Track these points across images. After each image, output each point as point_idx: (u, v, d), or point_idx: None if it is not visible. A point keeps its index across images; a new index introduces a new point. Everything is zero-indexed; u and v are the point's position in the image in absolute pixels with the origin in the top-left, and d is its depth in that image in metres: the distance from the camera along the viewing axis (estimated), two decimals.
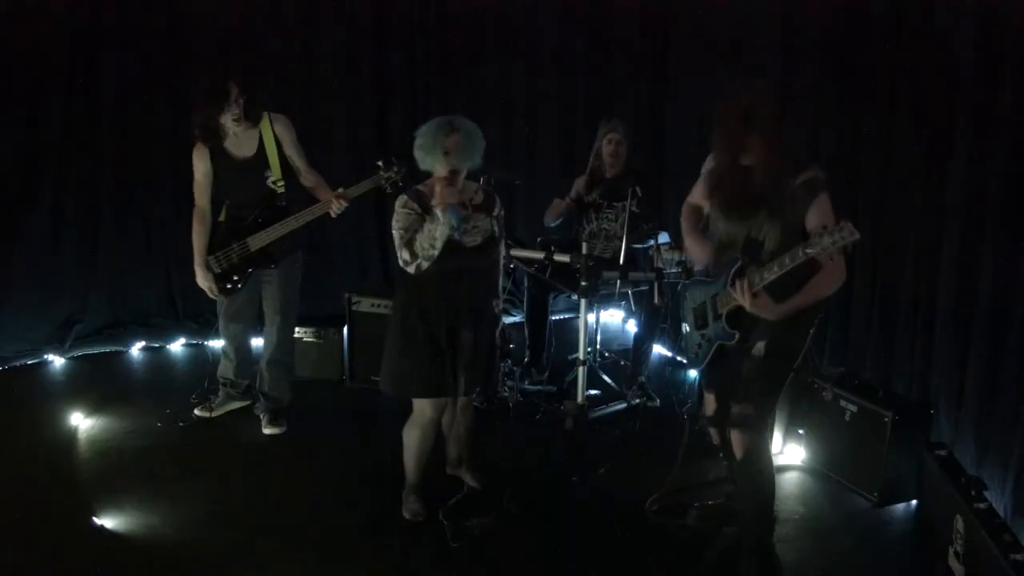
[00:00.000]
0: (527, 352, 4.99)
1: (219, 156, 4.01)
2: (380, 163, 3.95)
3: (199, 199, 4.10)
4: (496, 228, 3.38)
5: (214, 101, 3.86)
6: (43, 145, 5.21)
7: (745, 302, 2.79)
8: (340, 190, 4.02)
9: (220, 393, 4.43)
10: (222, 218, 4.13)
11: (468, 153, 3.22)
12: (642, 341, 4.86)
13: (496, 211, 3.42)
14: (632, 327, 5.91)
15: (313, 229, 5.86)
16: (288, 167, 4.09)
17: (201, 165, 4.03)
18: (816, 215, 2.74)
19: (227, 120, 3.92)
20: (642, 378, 4.78)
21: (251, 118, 3.98)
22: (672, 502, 3.56)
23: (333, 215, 4.05)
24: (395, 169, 3.93)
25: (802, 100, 4.45)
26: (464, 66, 5.99)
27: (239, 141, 4.00)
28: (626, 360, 5.08)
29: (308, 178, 4.18)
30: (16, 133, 5.15)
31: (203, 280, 4.11)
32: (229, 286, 4.13)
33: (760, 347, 2.89)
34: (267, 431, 4.26)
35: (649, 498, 3.57)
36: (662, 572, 3.19)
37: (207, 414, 4.39)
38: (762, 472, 3.03)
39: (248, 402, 4.47)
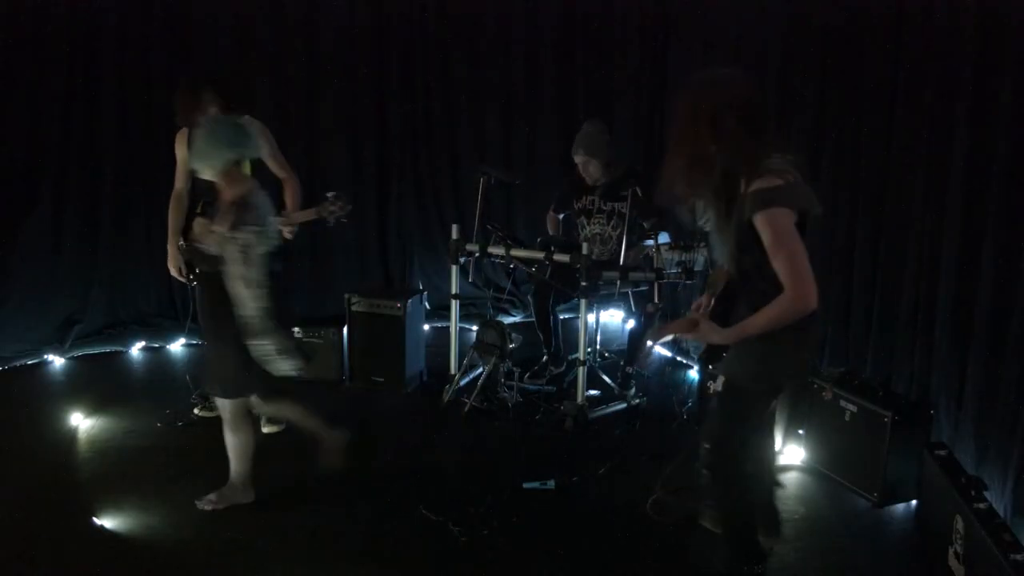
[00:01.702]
0: (544, 351, 5.04)
1: None
2: (329, 195, 3.91)
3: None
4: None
5: (185, 107, 3.89)
6: (43, 145, 5.22)
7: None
8: (284, 214, 3.96)
9: None
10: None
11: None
12: (638, 336, 4.86)
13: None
14: (632, 327, 5.93)
15: (312, 230, 5.93)
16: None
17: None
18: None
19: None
20: (629, 369, 4.79)
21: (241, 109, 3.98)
22: (671, 502, 3.56)
23: (287, 237, 3.98)
24: (340, 204, 3.89)
25: (802, 100, 4.46)
26: (464, 66, 5.99)
27: None
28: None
29: (287, 187, 4.15)
30: (16, 133, 5.15)
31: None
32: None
33: (719, 381, 2.76)
34: (264, 430, 4.25)
35: (649, 498, 3.57)
36: (662, 572, 3.19)
37: (207, 414, 4.38)
38: (732, 511, 2.90)
39: None
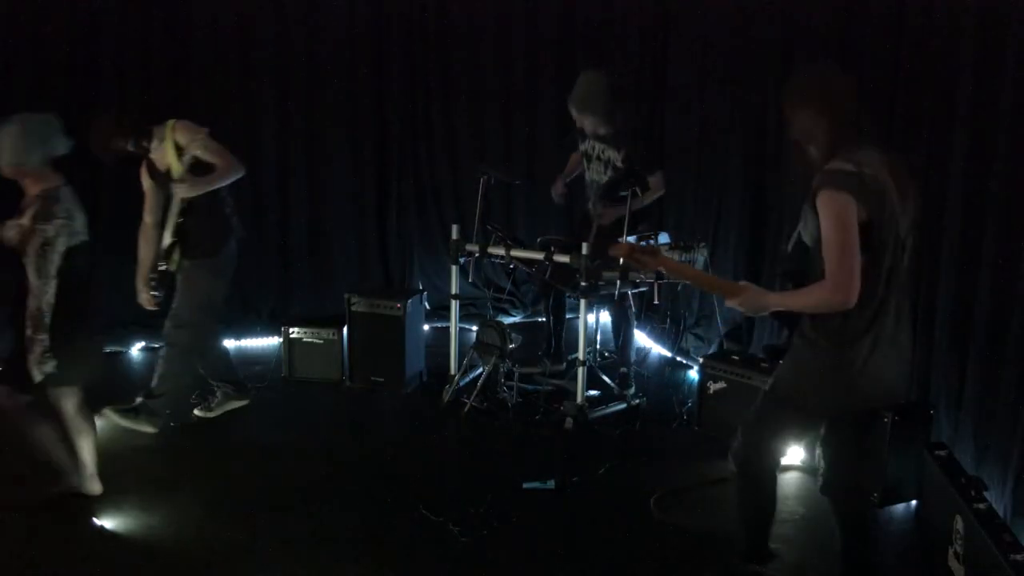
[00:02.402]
0: (548, 343, 5.04)
1: (154, 170, 4.09)
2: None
3: (144, 215, 4.17)
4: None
5: (105, 136, 3.98)
6: None
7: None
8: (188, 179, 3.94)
9: (218, 393, 4.42)
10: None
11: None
12: (619, 330, 4.86)
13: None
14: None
15: (312, 230, 5.95)
16: (203, 170, 3.97)
17: (144, 180, 4.13)
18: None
19: (130, 148, 4.01)
20: (624, 369, 4.79)
21: (147, 137, 4.01)
22: (674, 501, 3.56)
23: (178, 195, 3.97)
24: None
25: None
26: (464, 66, 5.99)
27: (157, 157, 4.06)
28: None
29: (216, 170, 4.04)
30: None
31: (140, 296, 4.19)
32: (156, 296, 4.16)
33: (768, 381, 2.74)
34: (197, 412, 4.35)
35: (652, 497, 3.57)
36: (662, 572, 3.19)
37: (206, 414, 4.38)
38: (748, 507, 2.90)
39: (247, 400, 4.47)
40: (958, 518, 2.99)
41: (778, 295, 2.58)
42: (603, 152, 4.74)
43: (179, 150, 3.94)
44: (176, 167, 3.95)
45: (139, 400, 4.18)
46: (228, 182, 4.02)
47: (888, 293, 2.46)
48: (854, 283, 2.33)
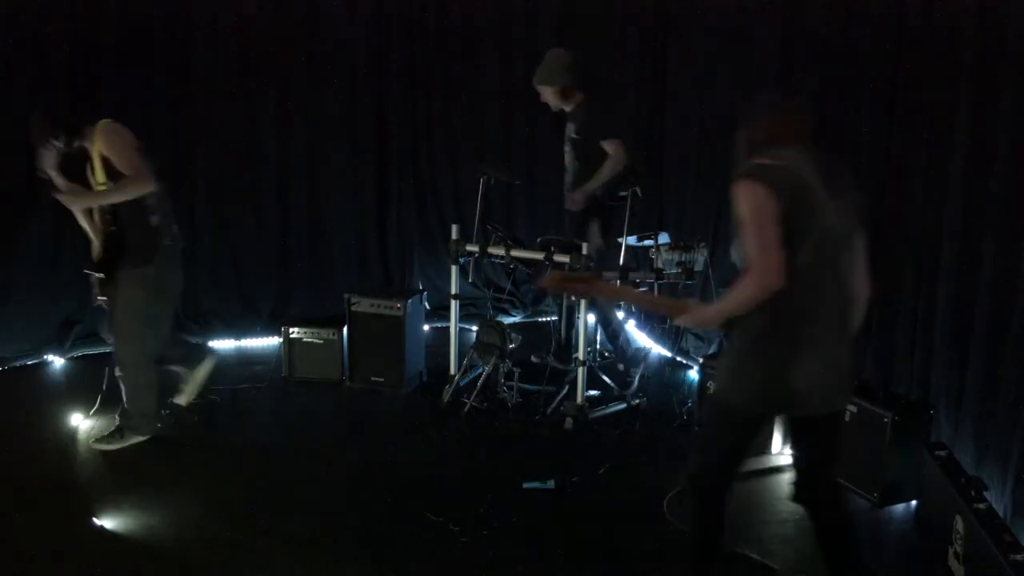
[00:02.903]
0: (560, 338, 5.05)
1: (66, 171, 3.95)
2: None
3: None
4: None
5: (41, 136, 3.83)
6: None
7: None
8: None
9: (183, 375, 4.31)
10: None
11: None
12: (607, 326, 4.85)
13: None
14: (632, 327, 5.92)
15: (312, 230, 5.95)
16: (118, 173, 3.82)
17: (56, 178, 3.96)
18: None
19: (61, 145, 3.84)
20: (620, 366, 4.79)
21: (79, 136, 3.85)
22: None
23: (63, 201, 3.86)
24: None
25: (802, 100, 4.46)
26: (464, 66, 5.99)
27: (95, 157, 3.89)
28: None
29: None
30: (16, 132, 5.14)
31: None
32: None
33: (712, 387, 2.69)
34: (94, 445, 4.08)
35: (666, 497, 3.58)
36: (662, 571, 3.19)
37: (189, 399, 4.30)
38: (694, 520, 2.76)
39: (211, 360, 4.35)
40: (958, 518, 2.99)
41: (716, 305, 2.52)
42: (568, 129, 4.83)
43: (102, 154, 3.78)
44: (99, 172, 3.81)
45: (116, 422, 4.11)
46: (125, 198, 3.79)
47: (815, 301, 2.41)
48: (776, 266, 2.30)
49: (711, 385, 4.24)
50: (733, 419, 2.58)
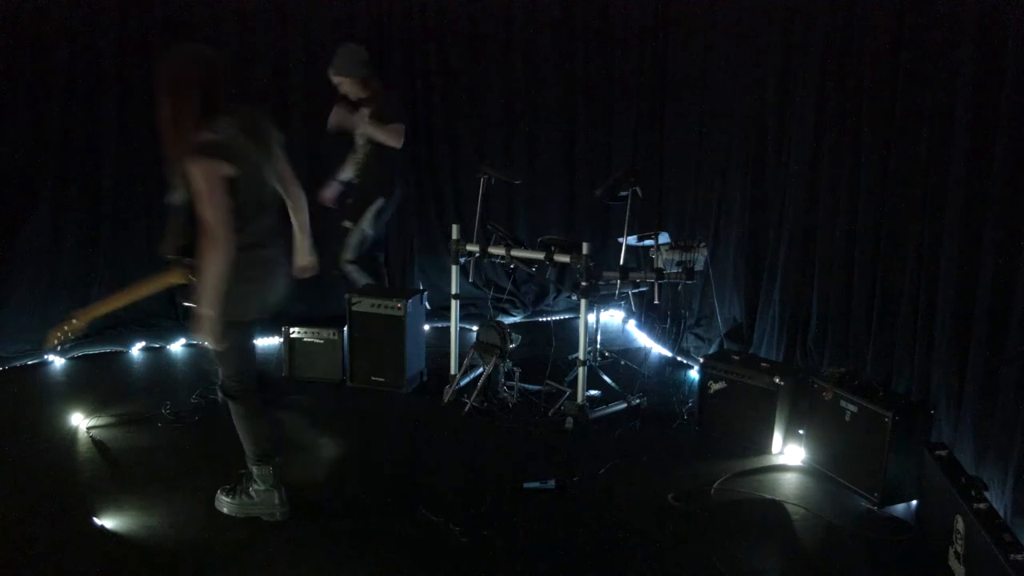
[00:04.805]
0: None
1: None
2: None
3: None
4: None
5: None
6: (44, 144, 5.21)
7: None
8: None
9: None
10: None
11: None
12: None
13: None
14: (632, 327, 5.93)
15: (312, 230, 5.91)
16: None
17: None
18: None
19: None
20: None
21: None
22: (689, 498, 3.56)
23: None
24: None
25: (802, 99, 4.46)
26: (464, 65, 5.99)
27: None
28: (626, 360, 5.10)
29: None
30: (17, 132, 5.15)
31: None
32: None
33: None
34: None
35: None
36: (662, 571, 3.19)
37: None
38: (250, 426, 3.43)
39: None
40: (958, 518, 2.99)
41: (201, 294, 2.96)
42: (362, 116, 5.06)
43: None
44: None
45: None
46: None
47: (258, 227, 3.09)
48: (228, 231, 2.88)
49: (711, 385, 4.26)
50: (235, 330, 3.17)
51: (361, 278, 5.24)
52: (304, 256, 3.49)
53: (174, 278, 3.20)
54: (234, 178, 2.89)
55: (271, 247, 3.19)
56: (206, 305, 2.96)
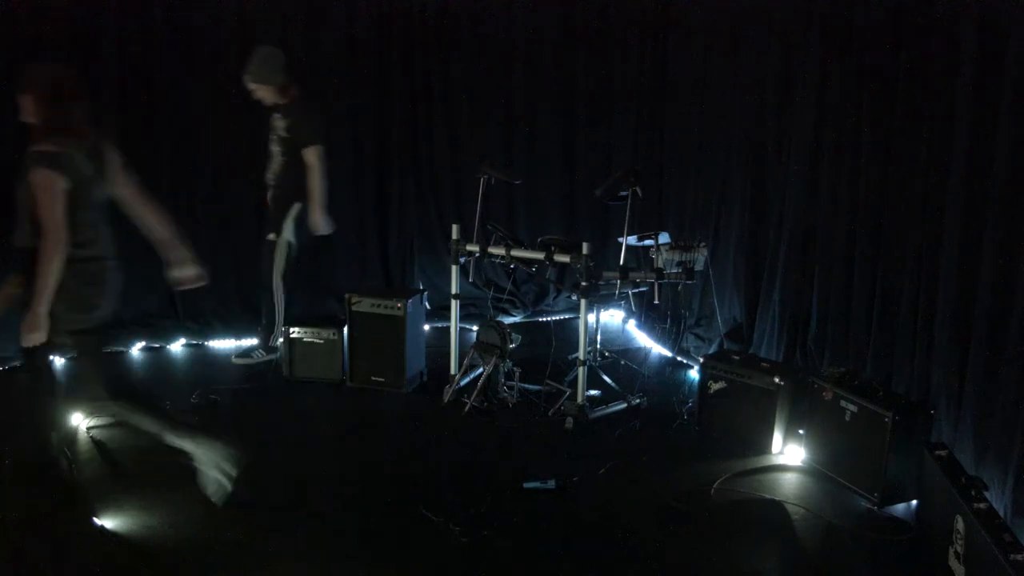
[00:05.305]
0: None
1: None
2: None
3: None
4: None
5: None
6: None
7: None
8: None
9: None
10: None
11: None
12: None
13: None
14: (632, 327, 5.93)
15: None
16: None
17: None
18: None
19: None
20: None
21: None
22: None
23: None
24: None
25: (802, 99, 4.46)
26: (464, 66, 5.99)
27: None
28: (626, 360, 5.09)
29: None
30: (15, 132, 5.13)
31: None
32: None
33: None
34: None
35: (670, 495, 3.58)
36: (662, 572, 3.19)
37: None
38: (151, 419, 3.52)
39: None
40: (958, 518, 2.99)
41: (34, 296, 3.07)
42: (277, 122, 4.93)
43: None
44: None
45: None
46: None
47: (95, 236, 3.26)
48: (65, 235, 3.05)
49: (711, 385, 4.26)
50: (92, 336, 3.37)
51: (282, 305, 5.04)
52: (180, 268, 3.56)
53: (11, 288, 3.28)
54: (68, 190, 3.08)
55: (106, 258, 3.36)
56: (37, 303, 3.09)
